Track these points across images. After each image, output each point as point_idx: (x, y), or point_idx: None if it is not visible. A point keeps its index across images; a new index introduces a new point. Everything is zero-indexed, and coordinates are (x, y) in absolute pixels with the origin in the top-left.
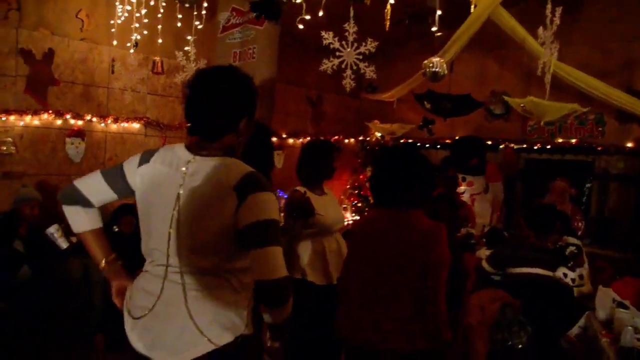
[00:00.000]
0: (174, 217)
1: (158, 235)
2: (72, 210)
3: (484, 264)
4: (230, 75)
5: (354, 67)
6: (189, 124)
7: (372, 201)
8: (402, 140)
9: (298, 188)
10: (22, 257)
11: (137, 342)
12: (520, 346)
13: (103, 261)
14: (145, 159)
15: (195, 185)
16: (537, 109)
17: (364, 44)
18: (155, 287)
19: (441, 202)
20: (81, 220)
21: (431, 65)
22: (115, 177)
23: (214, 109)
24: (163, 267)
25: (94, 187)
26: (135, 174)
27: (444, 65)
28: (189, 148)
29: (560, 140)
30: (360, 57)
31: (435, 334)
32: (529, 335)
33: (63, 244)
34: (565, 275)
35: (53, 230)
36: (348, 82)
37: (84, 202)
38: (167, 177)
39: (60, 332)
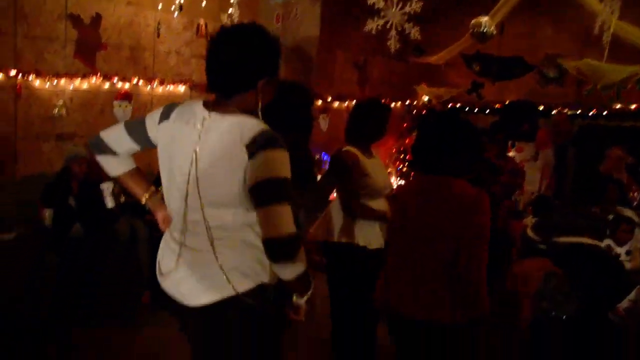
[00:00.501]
0: (191, 173)
1: (177, 192)
2: (103, 158)
3: (529, 232)
4: (253, 32)
5: (399, 28)
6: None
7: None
8: (450, 105)
9: (348, 148)
10: (75, 214)
11: (169, 288)
12: (564, 317)
13: (144, 196)
14: (165, 115)
15: (210, 142)
16: (594, 72)
17: (409, 3)
18: (176, 241)
19: (482, 168)
20: (113, 165)
21: (479, 25)
22: (137, 130)
23: (233, 63)
24: (182, 222)
25: (118, 138)
26: (157, 129)
27: (493, 26)
28: (206, 105)
29: (618, 106)
30: (406, 17)
31: (471, 307)
32: (574, 306)
33: (110, 202)
34: (609, 248)
35: (105, 187)
36: (393, 43)
37: (111, 152)
38: (185, 134)
39: (109, 289)
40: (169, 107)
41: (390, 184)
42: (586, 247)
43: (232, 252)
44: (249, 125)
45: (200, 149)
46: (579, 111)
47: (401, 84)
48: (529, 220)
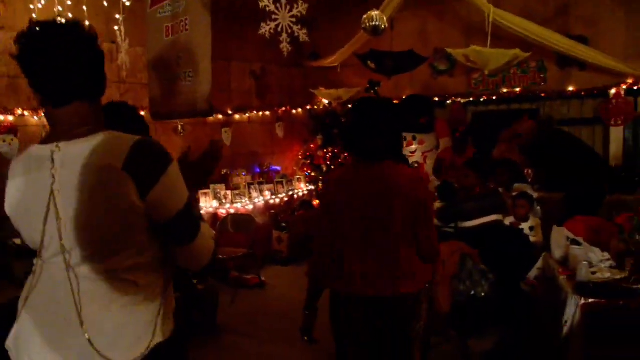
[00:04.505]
0: (51, 220)
1: (33, 242)
2: None
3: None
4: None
5: (289, 31)
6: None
7: (325, 169)
8: (349, 105)
9: None
10: None
11: None
12: (483, 294)
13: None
14: (6, 180)
15: (72, 176)
16: (480, 58)
17: (296, 5)
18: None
19: None
20: None
21: (371, 19)
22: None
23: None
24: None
25: None
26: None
27: (384, 19)
28: (46, 140)
29: (505, 91)
30: (294, 20)
31: (430, 274)
32: (491, 283)
33: None
34: (513, 224)
35: None
36: (285, 46)
37: None
38: (31, 183)
39: None
40: (8, 169)
41: None
42: (491, 223)
43: (107, 319)
44: (115, 141)
45: (58, 188)
46: (471, 99)
47: (300, 90)
48: (435, 205)
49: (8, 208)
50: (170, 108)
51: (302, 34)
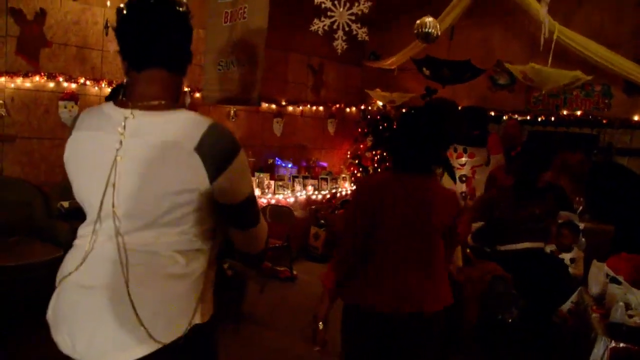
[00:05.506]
0: (109, 186)
1: (91, 207)
2: None
3: (469, 240)
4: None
5: (346, 29)
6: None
7: (371, 171)
8: (403, 110)
9: None
10: None
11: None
12: (510, 320)
13: None
14: (70, 131)
15: (139, 147)
16: (539, 77)
17: (357, 4)
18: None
19: None
20: None
21: (424, 25)
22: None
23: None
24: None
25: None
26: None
27: (437, 26)
28: (121, 103)
29: (565, 113)
30: (353, 17)
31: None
32: (520, 310)
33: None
34: (554, 253)
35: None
36: (340, 44)
37: None
38: (98, 141)
39: None
40: (74, 119)
41: None
42: (530, 251)
43: (152, 290)
44: (189, 121)
45: (123, 156)
46: (528, 117)
47: (356, 89)
48: (475, 225)
49: (67, 158)
50: (221, 93)
51: (362, 32)
